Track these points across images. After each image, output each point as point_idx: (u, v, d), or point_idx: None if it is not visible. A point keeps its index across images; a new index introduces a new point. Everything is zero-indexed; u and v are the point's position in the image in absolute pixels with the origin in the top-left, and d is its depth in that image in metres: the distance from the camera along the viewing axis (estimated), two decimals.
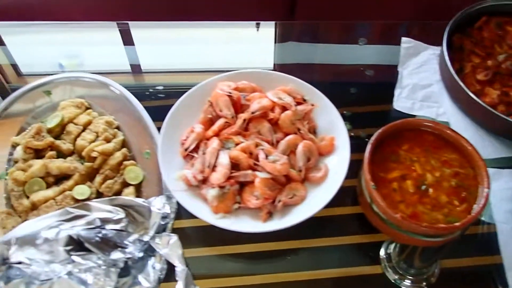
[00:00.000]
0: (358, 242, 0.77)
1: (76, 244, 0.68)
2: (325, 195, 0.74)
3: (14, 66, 1.04)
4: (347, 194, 0.78)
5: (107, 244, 0.69)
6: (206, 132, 0.80)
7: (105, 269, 0.68)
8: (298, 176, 0.76)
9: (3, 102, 0.88)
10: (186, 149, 0.78)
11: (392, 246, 0.76)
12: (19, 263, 0.68)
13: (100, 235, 0.68)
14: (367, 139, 0.71)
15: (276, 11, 1.33)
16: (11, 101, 0.88)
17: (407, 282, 0.74)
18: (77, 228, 0.68)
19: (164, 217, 0.73)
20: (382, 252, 0.76)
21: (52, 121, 0.86)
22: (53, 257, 0.67)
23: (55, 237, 0.67)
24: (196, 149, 0.79)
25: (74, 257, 0.67)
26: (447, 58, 0.90)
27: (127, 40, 1.10)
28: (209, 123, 0.83)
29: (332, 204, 0.75)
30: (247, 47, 1.14)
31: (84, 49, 1.06)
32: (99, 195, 0.79)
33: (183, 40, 1.13)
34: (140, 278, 0.69)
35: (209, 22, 1.14)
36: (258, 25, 1.19)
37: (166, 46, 1.10)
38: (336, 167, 0.77)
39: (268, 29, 1.13)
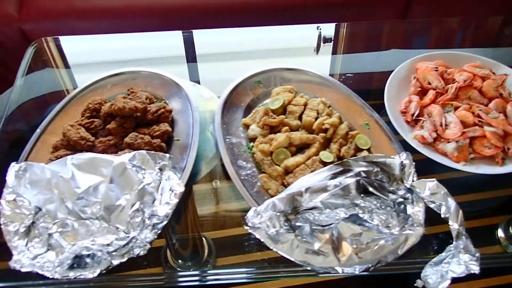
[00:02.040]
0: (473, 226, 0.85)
1: (362, 189, 0.80)
2: None
3: None
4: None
5: (383, 189, 0.81)
6: (422, 101, 0.95)
7: (386, 209, 0.80)
8: None
9: (226, 91, 1.01)
10: (412, 115, 0.92)
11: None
12: (311, 208, 0.79)
13: (378, 178, 0.81)
14: None
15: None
16: (230, 92, 1.02)
17: None
18: (353, 178, 0.81)
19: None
20: (500, 233, 0.86)
21: (274, 104, 0.99)
22: (344, 201, 0.79)
23: (345, 183, 0.79)
24: (419, 115, 0.93)
25: (357, 201, 0.79)
26: None
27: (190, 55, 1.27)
28: (418, 95, 0.98)
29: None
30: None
31: None
32: (338, 159, 0.92)
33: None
34: (409, 218, 0.81)
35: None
36: (317, 49, 1.37)
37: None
38: None
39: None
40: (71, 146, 0.90)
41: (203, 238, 0.98)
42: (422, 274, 0.76)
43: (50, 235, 0.78)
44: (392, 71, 1.03)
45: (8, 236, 0.79)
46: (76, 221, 0.78)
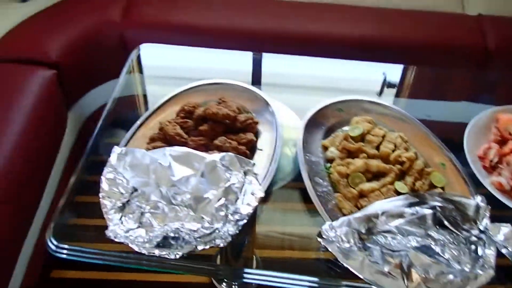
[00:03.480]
0: None
1: (437, 221, 0.84)
2: None
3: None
4: None
5: (457, 225, 0.85)
6: (501, 150, 0.99)
7: (459, 245, 0.83)
8: None
9: (310, 112, 1.09)
10: (491, 161, 0.97)
11: None
12: (385, 231, 0.84)
13: (452, 215, 0.85)
14: None
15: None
16: (314, 114, 1.10)
17: None
18: (430, 210, 0.85)
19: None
20: None
21: (354, 131, 1.06)
22: (418, 230, 0.83)
23: (421, 212, 0.84)
24: (498, 162, 0.97)
25: (431, 232, 0.83)
26: None
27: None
28: (498, 143, 1.02)
29: None
30: None
31: None
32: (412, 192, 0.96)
33: None
34: (480, 258, 0.83)
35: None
36: (380, 94, 1.42)
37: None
38: None
39: None
40: (167, 140, 1.00)
41: (254, 256, 1.03)
42: None
43: (142, 213, 0.87)
44: (463, 123, 1.08)
45: (105, 208, 0.88)
46: (166, 205, 0.87)
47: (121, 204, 0.88)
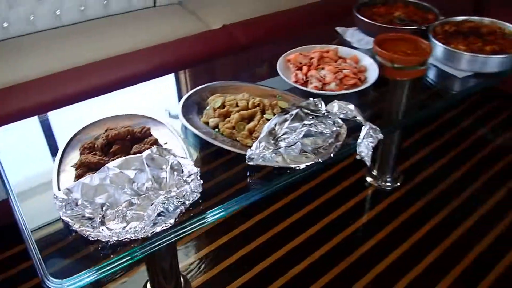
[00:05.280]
0: None
1: (303, 114, 1.33)
2: None
3: None
4: None
5: (314, 111, 1.36)
6: (303, 72, 1.59)
7: (322, 122, 1.34)
8: None
9: (179, 105, 1.45)
10: (302, 79, 1.54)
11: None
12: (284, 134, 1.28)
13: (309, 108, 1.36)
14: None
15: None
16: (182, 104, 1.46)
17: None
18: (296, 109, 1.34)
19: None
20: None
21: (217, 104, 1.47)
22: (299, 123, 1.30)
23: (293, 112, 1.31)
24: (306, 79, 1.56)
25: (306, 121, 1.32)
26: None
27: None
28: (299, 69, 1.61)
29: None
30: None
31: None
32: None
33: None
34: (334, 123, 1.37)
35: None
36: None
37: None
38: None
39: None
40: (93, 169, 1.20)
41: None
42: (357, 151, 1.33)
43: (124, 214, 1.07)
44: None
45: (88, 232, 1.03)
46: (138, 198, 1.09)
47: (99, 220, 1.06)
